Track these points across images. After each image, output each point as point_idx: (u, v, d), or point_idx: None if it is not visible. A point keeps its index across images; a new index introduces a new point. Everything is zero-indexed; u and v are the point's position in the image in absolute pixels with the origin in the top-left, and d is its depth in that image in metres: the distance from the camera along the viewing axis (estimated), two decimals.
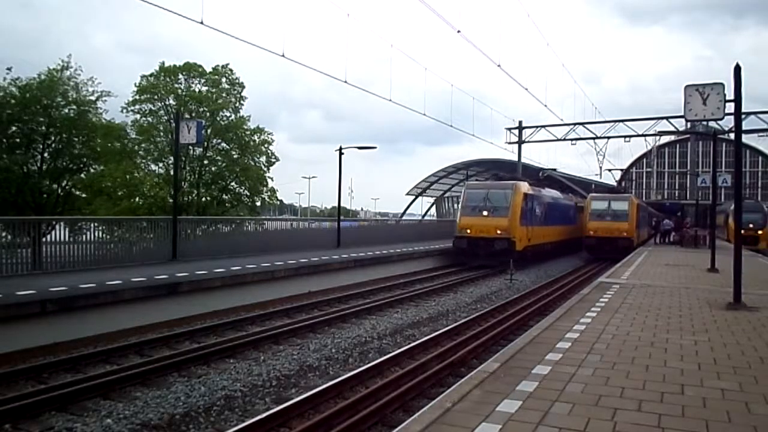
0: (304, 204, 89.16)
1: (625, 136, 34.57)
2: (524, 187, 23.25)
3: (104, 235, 15.59)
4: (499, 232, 21.31)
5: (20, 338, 8.33)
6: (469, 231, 21.83)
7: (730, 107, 9.55)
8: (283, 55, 13.63)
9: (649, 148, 46.29)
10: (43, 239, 13.81)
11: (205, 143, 27.32)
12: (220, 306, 11.75)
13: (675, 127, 32.36)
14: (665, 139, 53.12)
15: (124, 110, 28.60)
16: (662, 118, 32.66)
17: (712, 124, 21.56)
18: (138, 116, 28.68)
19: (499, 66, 21.60)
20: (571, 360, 5.85)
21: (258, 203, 31.99)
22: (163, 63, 29.46)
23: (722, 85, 9.60)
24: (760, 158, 57.12)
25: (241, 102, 30.52)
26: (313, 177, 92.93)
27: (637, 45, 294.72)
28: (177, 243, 15.27)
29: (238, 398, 6.84)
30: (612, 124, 34.82)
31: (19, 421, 5.91)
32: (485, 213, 21.87)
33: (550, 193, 28.68)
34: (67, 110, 26.85)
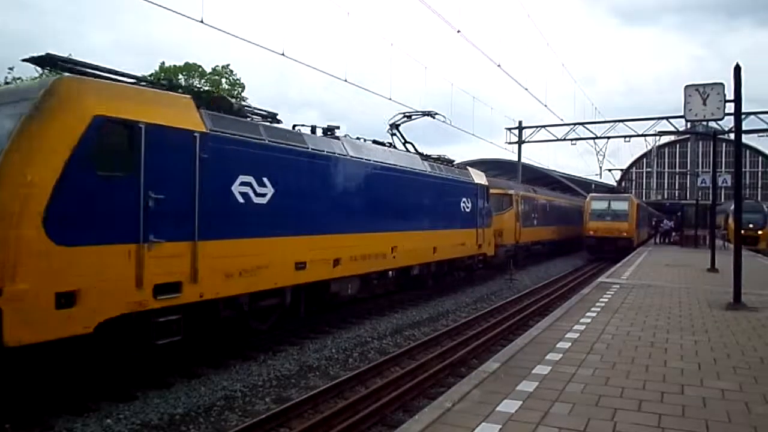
0: None
1: (624, 136, 34.58)
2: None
3: None
4: None
5: None
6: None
7: (730, 107, 9.57)
8: (283, 54, 13.59)
9: (649, 148, 46.30)
10: None
11: None
12: None
13: (675, 127, 32.40)
14: (665, 139, 53.19)
15: None
16: (662, 118, 32.67)
17: (712, 124, 21.56)
18: None
19: (499, 66, 21.71)
20: (571, 360, 5.85)
21: None
22: (163, 63, 29.67)
23: (722, 85, 9.63)
24: (760, 158, 57.27)
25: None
26: None
27: (632, 46, 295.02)
28: None
29: (238, 398, 6.84)
30: (612, 124, 34.84)
31: (19, 422, 5.91)
32: None
33: (338, 145, 10.42)
34: None
